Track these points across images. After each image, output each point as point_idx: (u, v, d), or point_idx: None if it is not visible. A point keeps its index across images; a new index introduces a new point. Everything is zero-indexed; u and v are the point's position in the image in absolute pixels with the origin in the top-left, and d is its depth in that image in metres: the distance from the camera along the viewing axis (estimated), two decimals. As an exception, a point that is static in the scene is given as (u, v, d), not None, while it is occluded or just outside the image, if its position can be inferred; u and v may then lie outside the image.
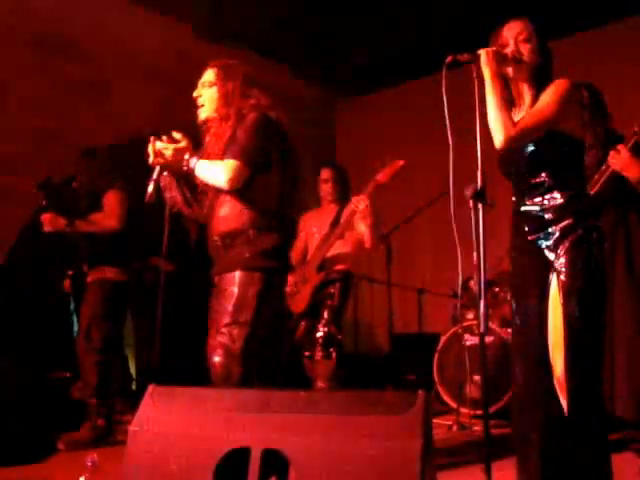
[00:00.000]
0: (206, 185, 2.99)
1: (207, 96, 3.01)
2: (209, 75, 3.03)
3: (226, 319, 2.82)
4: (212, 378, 2.84)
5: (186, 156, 2.88)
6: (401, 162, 4.00)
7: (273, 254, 2.89)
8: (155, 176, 2.90)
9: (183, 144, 2.93)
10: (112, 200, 4.25)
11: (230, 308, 2.82)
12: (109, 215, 4.21)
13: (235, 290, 2.83)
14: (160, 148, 2.88)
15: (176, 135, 2.96)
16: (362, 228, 4.14)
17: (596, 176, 3.53)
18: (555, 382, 2.39)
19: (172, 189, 3.06)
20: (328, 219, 4.33)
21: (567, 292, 2.39)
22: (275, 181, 2.94)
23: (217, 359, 2.81)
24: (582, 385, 2.37)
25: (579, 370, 2.36)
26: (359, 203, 3.97)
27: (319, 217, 4.44)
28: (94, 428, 4.01)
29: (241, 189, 2.89)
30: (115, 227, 4.20)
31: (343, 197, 4.36)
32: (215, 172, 2.82)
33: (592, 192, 3.46)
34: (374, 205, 4.05)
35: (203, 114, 3.02)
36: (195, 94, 3.05)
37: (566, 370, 2.35)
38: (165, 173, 2.99)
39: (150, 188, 2.88)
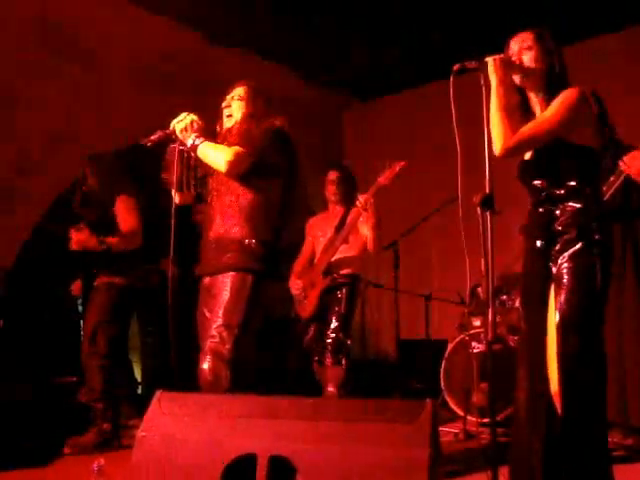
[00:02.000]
0: (209, 177, 3.09)
1: (235, 107, 3.16)
2: (239, 90, 3.19)
3: (217, 322, 2.86)
4: (200, 384, 2.85)
5: (196, 133, 2.97)
6: (402, 163, 3.99)
7: (266, 259, 2.95)
8: (167, 132, 3.02)
9: (197, 126, 3.02)
10: (126, 211, 4.23)
11: (221, 311, 2.87)
12: (131, 230, 4.20)
13: (227, 294, 2.88)
14: (184, 116, 3.00)
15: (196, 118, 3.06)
16: (364, 231, 4.14)
17: (612, 178, 3.44)
18: (552, 395, 2.39)
19: (172, 166, 3.10)
20: (334, 222, 4.31)
21: (562, 307, 2.38)
22: (279, 190, 3.03)
23: (205, 364, 2.83)
24: (578, 399, 2.36)
25: (573, 386, 2.35)
26: (365, 202, 3.96)
27: (325, 220, 4.43)
28: (100, 432, 3.99)
29: (244, 193, 2.97)
30: (139, 244, 4.23)
31: (349, 199, 4.33)
32: (217, 153, 2.91)
33: (606, 196, 3.40)
34: (376, 208, 4.04)
35: (228, 123, 3.16)
36: (224, 104, 3.19)
37: (560, 385, 2.35)
38: (176, 145, 3.05)
39: (155, 136, 3.02)
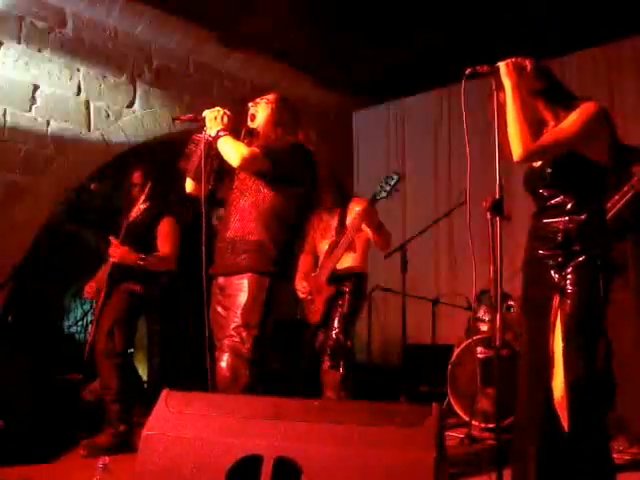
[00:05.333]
0: (234, 176, 3.15)
1: (260, 109, 3.21)
2: (270, 95, 3.25)
3: (236, 322, 2.89)
4: (218, 381, 2.87)
5: (221, 126, 3.01)
6: (396, 176, 3.98)
7: (282, 262, 3.01)
8: (199, 116, 3.08)
9: (227, 120, 3.05)
10: (166, 234, 4.23)
11: (239, 312, 2.90)
12: (168, 254, 4.20)
13: (245, 295, 2.92)
14: (218, 109, 3.06)
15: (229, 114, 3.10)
16: (370, 234, 4.14)
17: (617, 196, 3.45)
18: (555, 403, 2.40)
19: (193, 156, 3.17)
20: (331, 222, 4.29)
21: (566, 316, 2.41)
22: (298, 199, 3.10)
23: (225, 361, 2.86)
24: (583, 410, 2.38)
25: (578, 397, 2.37)
26: (365, 214, 3.99)
27: (322, 219, 4.36)
28: (116, 434, 3.94)
29: (266, 197, 3.02)
30: (171, 268, 4.25)
31: (342, 199, 4.33)
32: (234, 148, 2.95)
33: (610, 214, 3.40)
34: (373, 214, 4.04)
35: (251, 122, 3.22)
36: (250, 104, 3.24)
37: (567, 395, 2.37)
38: (203, 134, 3.08)
39: (186, 116, 3.15)
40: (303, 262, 4.40)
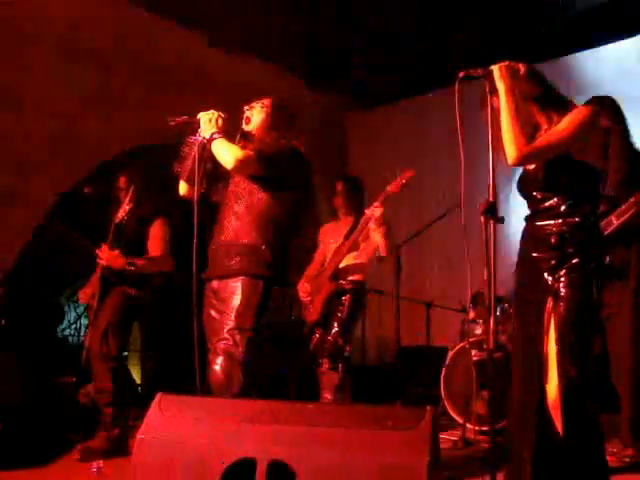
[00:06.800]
0: (229, 180, 3.15)
1: (255, 112, 3.22)
2: (266, 100, 3.25)
3: (229, 325, 2.90)
4: (212, 384, 2.87)
5: (216, 128, 3.01)
6: (410, 172, 4.07)
7: (275, 266, 3.01)
8: (193, 119, 3.07)
9: (222, 123, 3.06)
10: (158, 237, 4.20)
11: (233, 315, 2.91)
12: (160, 255, 4.18)
13: (238, 298, 2.93)
14: (213, 112, 3.06)
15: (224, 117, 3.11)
16: (377, 237, 4.16)
17: (631, 199, 3.41)
18: (548, 405, 2.41)
19: (187, 158, 3.17)
20: (344, 230, 4.37)
21: (560, 319, 2.42)
22: (292, 203, 3.10)
23: (219, 364, 2.86)
24: (577, 412, 2.38)
25: (572, 399, 2.38)
26: (374, 210, 4.02)
27: (336, 229, 4.49)
28: (110, 438, 3.91)
29: (261, 200, 3.03)
30: (168, 269, 4.23)
31: (358, 208, 4.37)
32: (228, 150, 2.95)
33: (625, 217, 3.40)
34: (386, 214, 4.07)
35: (246, 126, 3.23)
36: (246, 108, 3.24)
37: (560, 397, 2.37)
38: (197, 137, 3.08)
39: (180, 118, 3.09)
40: (311, 268, 4.47)
